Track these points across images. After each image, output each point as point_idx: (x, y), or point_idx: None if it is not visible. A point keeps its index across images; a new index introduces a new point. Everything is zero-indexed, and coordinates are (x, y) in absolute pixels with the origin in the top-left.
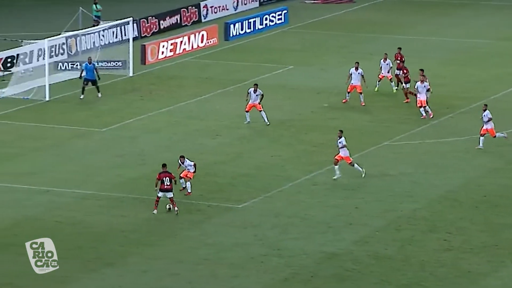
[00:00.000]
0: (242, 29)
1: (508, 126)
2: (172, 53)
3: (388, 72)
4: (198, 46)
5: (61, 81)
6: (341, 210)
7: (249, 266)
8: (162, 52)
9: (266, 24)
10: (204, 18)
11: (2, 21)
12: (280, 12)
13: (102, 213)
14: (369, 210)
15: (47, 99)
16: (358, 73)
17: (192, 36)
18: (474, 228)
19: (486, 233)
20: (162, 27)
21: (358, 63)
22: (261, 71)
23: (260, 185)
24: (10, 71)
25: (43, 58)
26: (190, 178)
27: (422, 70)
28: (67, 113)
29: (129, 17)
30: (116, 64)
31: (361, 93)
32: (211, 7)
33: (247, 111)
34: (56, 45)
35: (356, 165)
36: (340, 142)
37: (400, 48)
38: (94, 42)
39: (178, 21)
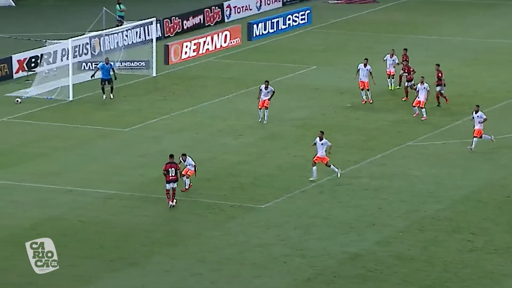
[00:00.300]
0: (265, 29)
1: None
2: (195, 53)
3: (394, 68)
4: (221, 46)
5: (84, 81)
6: (363, 210)
7: (271, 266)
8: (185, 52)
9: (289, 24)
10: (227, 18)
11: (26, 21)
12: (303, 12)
13: (125, 213)
14: (392, 211)
15: (70, 99)
16: (367, 70)
17: (215, 36)
18: (498, 229)
19: (510, 233)
20: (185, 27)
21: (367, 59)
22: (284, 71)
23: (283, 185)
24: (34, 71)
25: (67, 58)
26: (190, 176)
27: (438, 65)
28: (90, 113)
29: (153, 17)
30: (140, 64)
31: (368, 89)
32: (235, 7)
33: (260, 109)
34: (79, 45)
35: (332, 166)
36: (323, 143)
37: (406, 49)
38: (117, 42)
39: (202, 21)
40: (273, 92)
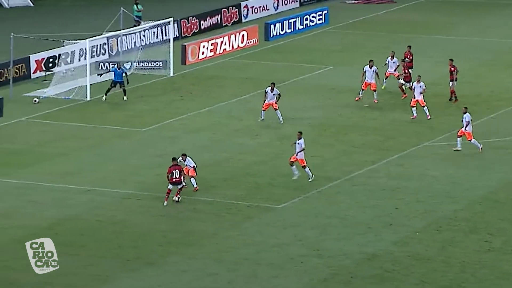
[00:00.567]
0: (282, 29)
1: None
2: (212, 53)
3: (395, 70)
4: (238, 46)
5: (102, 81)
6: (381, 210)
7: (288, 266)
8: (203, 52)
9: (306, 24)
10: (245, 18)
11: (44, 21)
12: (320, 13)
13: (142, 213)
14: (409, 211)
15: (88, 99)
16: (373, 71)
17: (232, 36)
18: None
19: None
20: (202, 27)
21: (372, 60)
22: (301, 71)
23: (300, 185)
24: (52, 71)
25: (85, 58)
26: (193, 176)
27: (451, 60)
28: (107, 113)
29: (170, 17)
30: (157, 64)
31: (375, 90)
32: (252, 7)
33: (263, 110)
34: (97, 45)
35: (307, 169)
36: (299, 144)
37: (410, 47)
38: (135, 42)
39: (219, 21)
40: (279, 95)
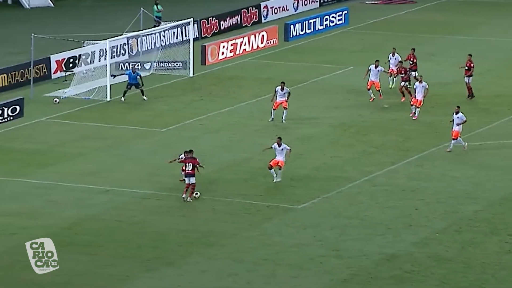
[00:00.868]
0: (302, 30)
1: None
2: (232, 54)
3: (396, 66)
4: (258, 46)
5: (122, 81)
6: (400, 211)
7: (308, 267)
8: (222, 53)
9: (326, 24)
10: (265, 19)
11: (65, 22)
12: (340, 13)
13: (162, 213)
14: (429, 212)
15: (108, 99)
16: (378, 70)
17: (252, 37)
18: None
19: None
20: (222, 27)
21: (378, 61)
22: (321, 71)
23: (320, 186)
24: (72, 71)
25: (105, 59)
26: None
27: (470, 55)
28: (127, 113)
29: (190, 17)
30: (177, 64)
31: (379, 90)
32: (272, 7)
33: (274, 109)
34: (117, 46)
35: (280, 171)
36: (282, 149)
37: (413, 49)
38: (155, 43)
39: (239, 22)
40: (289, 93)
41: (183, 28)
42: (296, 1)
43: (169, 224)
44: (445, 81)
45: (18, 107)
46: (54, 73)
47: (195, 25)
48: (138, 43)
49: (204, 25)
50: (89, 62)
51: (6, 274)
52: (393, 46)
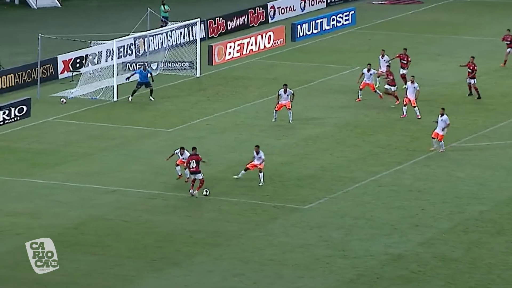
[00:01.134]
0: (309, 30)
1: None
2: (239, 54)
3: (386, 67)
4: (265, 46)
5: (129, 81)
6: (406, 211)
7: (314, 267)
8: (229, 53)
9: (333, 25)
10: (271, 19)
11: (71, 22)
12: (347, 13)
13: (168, 213)
14: (435, 212)
15: (115, 99)
16: (370, 74)
17: (259, 37)
18: None
19: None
20: (229, 27)
21: (370, 64)
22: (328, 72)
23: (326, 186)
24: (79, 71)
25: (111, 59)
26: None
27: (472, 57)
28: (134, 113)
29: (197, 18)
30: (184, 64)
31: (375, 91)
32: (278, 7)
33: (276, 110)
34: (124, 46)
35: (262, 174)
36: (260, 157)
37: (405, 49)
38: (161, 43)
39: (245, 22)
40: (293, 94)
41: (190, 28)
42: (303, 1)
43: (175, 224)
44: (451, 81)
45: (25, 107)
46: (61, 73)
47: (202, 25)
48: (145, 43)
49: (211, 25)
50: (96, 62)
51: (11, 274)
52: (397, 46)
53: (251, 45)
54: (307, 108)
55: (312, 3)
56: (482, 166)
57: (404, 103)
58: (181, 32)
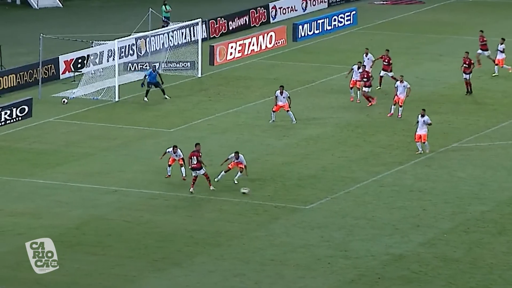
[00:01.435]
0: (310, 30)
1: None
2: (240, 54)
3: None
4: (266, 47)
5: (130, 81)
6: (408, 212)
7: (315, 267)
8: (231, 53)
9: (334, 25)
10: (273, 19)
11: (73, 22)
12: (348, 13)
13: (169, 213)
14: (437, 212)
15: (116, 99)
16: (359, 72)
17: (260, 37)
18: None
19: None
20: (231, 28)
21: (360, 62)
22: (329, 72)
23: (327, 186)
24: (81, 71)
25: (113, 59)
26: (182, 164)
27: (467, 52)
28: (135, 113)
29: (198, 18)
30: (185, 64)
31: (359, 89)
32: (280, 8)
33: (274, 111)
34: (125, 46)
35: (240, 174)
36: (240, 160)
37: (387, 50)
38: (163, 43)
39: (247, 22)
40: (289, 97)
41: (192, 28)
42: (305, 2)
43: (177, 224)
44: (453, 81)
45: (26, 107)
46: (62, 73)
47: (204, 25)
48: (147, 43)
49: (213, 25)
50: (97, 62)
51: (12, 274)
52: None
53: (253, 45)
54: (308, 108)
55: (314, 3)
56: (484, 166)
57: (394, 102)
58: (182, 32)
